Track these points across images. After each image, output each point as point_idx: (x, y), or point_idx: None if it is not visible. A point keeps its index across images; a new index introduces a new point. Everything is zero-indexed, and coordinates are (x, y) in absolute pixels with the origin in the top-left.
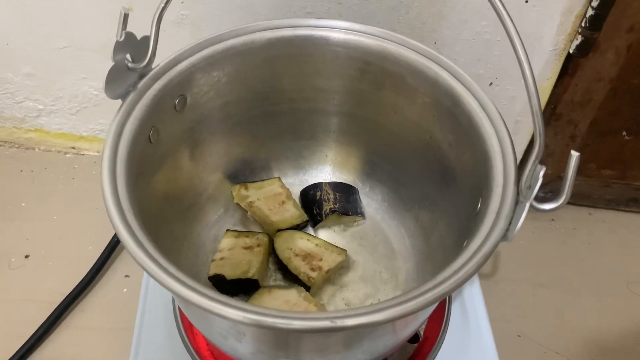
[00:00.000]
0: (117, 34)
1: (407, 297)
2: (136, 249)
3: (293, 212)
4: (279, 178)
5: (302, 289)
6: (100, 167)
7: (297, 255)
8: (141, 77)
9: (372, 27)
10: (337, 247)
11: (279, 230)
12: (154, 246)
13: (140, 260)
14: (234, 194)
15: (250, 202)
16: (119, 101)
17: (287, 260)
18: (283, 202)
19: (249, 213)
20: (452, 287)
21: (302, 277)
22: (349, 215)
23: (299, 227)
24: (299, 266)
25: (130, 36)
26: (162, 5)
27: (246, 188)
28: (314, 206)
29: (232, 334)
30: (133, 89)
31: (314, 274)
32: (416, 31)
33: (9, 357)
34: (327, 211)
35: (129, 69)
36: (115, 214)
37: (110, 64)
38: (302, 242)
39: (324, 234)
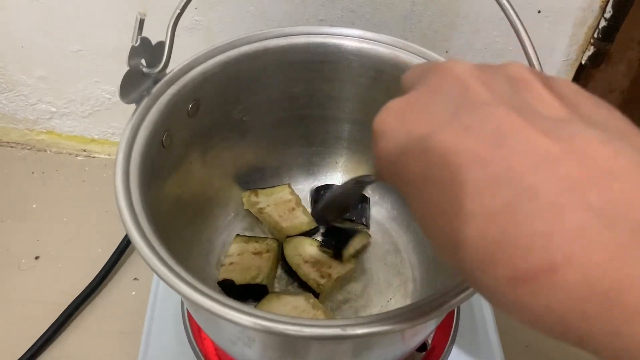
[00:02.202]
0: (132, 39)
1: (418, 306)
2: (149, 253)
3: (303, 219)
4: (289, 185)
5: (311, 295)
6: (112, 170)
7: (306, 262)
8: (155, 82)
9: (385, 36)
10: None
11: (288, 237)
12: (166, 251)
13: (154, 265)
14: (244, 200)
15: (261, 208)
16: (132, 105)
17: (297, 267)
18: (293, 209)
19: (260, 224)
20: (464, 297)
21: (311, 283)
22: (353, 221)
23: (309, 234)
24: (309, 273)
25: (145, 41)
26: (178, 11)
27: (256, 194)
28: None
29: (242, 340)
30: (147, 93)
31: (323, 281)
32: (428, 40)
33: (18, 358)
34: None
35: (143, 74)
36: (128, 218)
37: (124, 68)
38: (311, 248)
39: None
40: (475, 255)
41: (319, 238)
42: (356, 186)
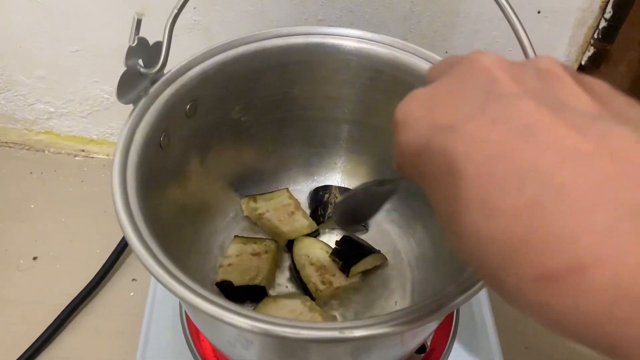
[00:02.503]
0: (129, 39)
1: (417, 308)
2: (146, 255)
3: (303, 222)
4: (287, 189)
5: (307, 298)
6: (110, 171)
7: (312, 264)
8: (153, 82)
9: (384, 36)
10: None
11: (297, 236)
12: (163, 252)
13: (151, 267)
14: (243, 206)
15: (260, 213)
16: (124, 104)
17: (301, 267)
18: (292, 213)
19: (259, 225)
20: (464, 299)
21: (310, 287)
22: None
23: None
24: (311, 275)
25: (142, 41)
26: (176, 11)
27: (255, 200)
28: (319, 206)
29: (240, 342)
30: (145, 94)
31: (322, 287)
32: (427, 40)
33: (16, 358)
34: (330, 214)
35: (141, 74)
36: (125, 219)
37: (122, 68)
38: (320, 252)
39: (331, 238)
40: (498, 253)
41: (333, 245)
42: (378, 188)
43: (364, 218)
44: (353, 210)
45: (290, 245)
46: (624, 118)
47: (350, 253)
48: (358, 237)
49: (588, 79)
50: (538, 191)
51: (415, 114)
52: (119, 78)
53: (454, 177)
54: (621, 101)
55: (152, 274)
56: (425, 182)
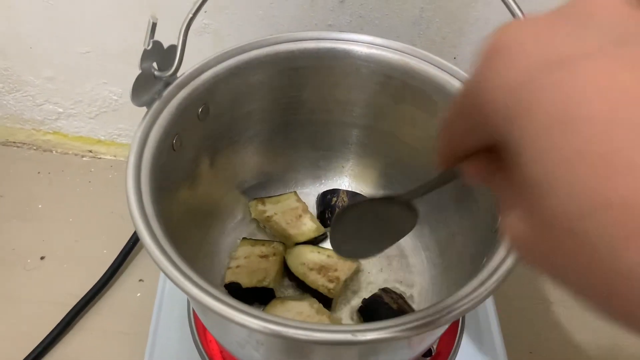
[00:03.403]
0: (144, 43)
1: (427, 313)
2: (161, 256)
3: (310, 226)
4: (295, 192)
5: (315, 300)
6: (117, 172)
7: (311, 269)
8: (166, 85)
9: (394, 42)
10: None
11: (289, 248)
12: (177, 254)
13: (165, 268)
14: (251, 209)
15: (268, 216)
16: (138, 107)
17: (304, 276)
18: (300, 216)
19: (266, 228)
20: (473, 304)
21: (321, 290)
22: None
23: (317, 240)
24: (317, 280)
25: (157, 45)
26: (191, 15)
27: (263, 203)
28: (327, 210)
29: (250, 343)
30: (158, 97)
31: (332, 285)
32: (436, 46)
33: (23, 358)
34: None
35: (155, 77)
36: (139, 220)
37: (131, 69)
38: (313, 255)
39: None
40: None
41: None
42: (388, 203)
43: (372, 247)
44: (355, 232)
45: None
46: None
47: (372, 315)
48: (391, 297)
49: None
50: None
51: (521, 39)
52: (129, 80)
53: (570, 124)
54: None
55: (167, 275)
56: (520, 130)
